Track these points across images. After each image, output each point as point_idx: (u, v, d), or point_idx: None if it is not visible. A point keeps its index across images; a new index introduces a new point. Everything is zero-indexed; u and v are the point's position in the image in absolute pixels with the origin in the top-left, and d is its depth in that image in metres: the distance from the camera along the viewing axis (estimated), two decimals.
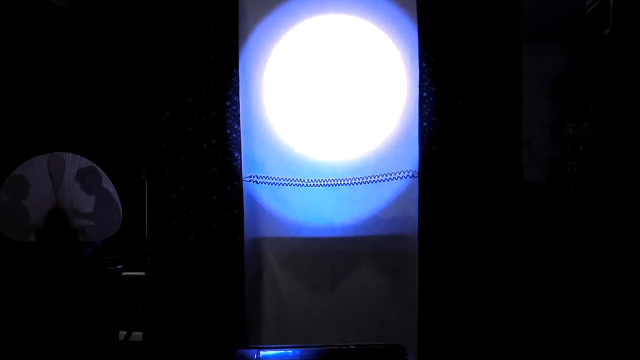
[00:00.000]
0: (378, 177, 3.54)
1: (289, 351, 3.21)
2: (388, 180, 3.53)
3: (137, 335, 3.61)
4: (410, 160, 3.48)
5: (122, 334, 3.65)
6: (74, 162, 3.61)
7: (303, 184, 3.58)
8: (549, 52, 3.43)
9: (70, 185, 3.59)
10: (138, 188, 3.58)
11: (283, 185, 3.59)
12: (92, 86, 3.87)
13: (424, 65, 3.40)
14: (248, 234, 3.57)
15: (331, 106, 3.59)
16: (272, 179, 3.60)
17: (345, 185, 3.55)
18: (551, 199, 3.39)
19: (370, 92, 3.57)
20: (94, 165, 3.63)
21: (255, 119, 3.62)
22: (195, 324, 3.49)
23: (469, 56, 3.37)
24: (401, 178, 3.52)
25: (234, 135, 3.52)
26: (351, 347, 3.25)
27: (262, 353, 3.20)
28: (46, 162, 3.59)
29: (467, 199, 3.37)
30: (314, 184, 3.57)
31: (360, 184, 3.55)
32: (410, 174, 3.50)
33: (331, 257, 3.59)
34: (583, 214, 3.26)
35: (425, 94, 3.40)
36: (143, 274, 3.60)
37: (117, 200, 3.62)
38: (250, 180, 3.59)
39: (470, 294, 3.35)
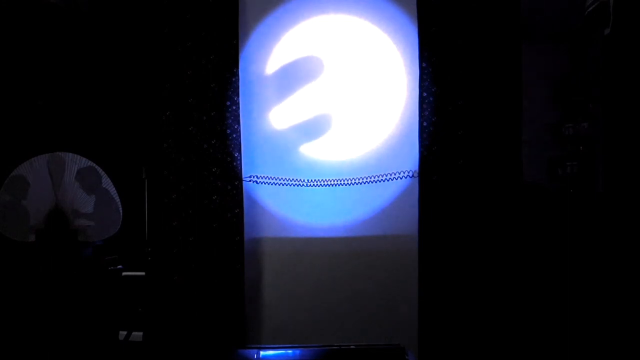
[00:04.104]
0: (378, 177, 3.54)
1: (289, 351, 3.21)
2: (388, 180, 3.53)
3: (137, 335, 3.60)
4: (410, 160, 3.49)
5: (122, 334, 3.65)
6: (74, 162, 3.61)
7: (303, 184, 3.58)
8: (549, 52, 3.43)
9: (70, 185, 3.60)
10: (138, 188, 3.58)
11: (283, 185, 3.59)
12: (92, 86, 3.86)
13: (424, 65, 3.41)
14: (248, 234, 3.57)
15: (331, 106, 3.59)
16: (272, 179, 3.60)
17: (345, 185, 3.55)
18: (551, 199, 3.39)
19: (370, 92, 3.57)
20: (94, 165, 3.63)
21: (255, 119, 3.62)
22: (195, 324, 3.49)
23: (469, 56, 3.38)
24: (401, 178, 3.52)
25: (234, 135, 3.52)
26: (351, 347, 3.25)
27: (262, 353, 3.20)
28: (46, 162, 3.59)
29: (467, 199, 3.37)
30: (314, 184, 3.57)
31: (360, 184, 3.55)
32: (410, 174, 3.50)
33: (331, 257, 3.59)
34: (583, 214, 3.26)
35: (425, 94, 3.40)
36: (143, 274, 3.60)
37: (117, 200, 3.62)
38: (250, 180, 3.59)
39: (470, 294, 3.35)
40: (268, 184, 3.60)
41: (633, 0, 3.03)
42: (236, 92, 3.53)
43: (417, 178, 3.44)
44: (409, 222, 3.48)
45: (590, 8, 3.24)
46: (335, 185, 3.56)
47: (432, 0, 3.40)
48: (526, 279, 3.34)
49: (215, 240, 3.51)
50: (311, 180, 3.57)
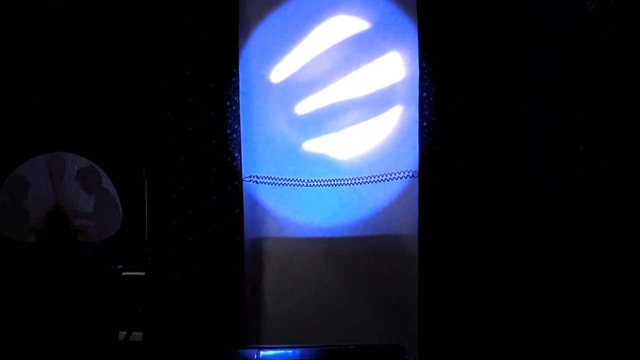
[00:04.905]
0: (378, 177, 3.54)
1: (289, 351, 3.21)
2: (388, 180, 3.53)
3: (137, 335, 3.61)
4: (410, 160, 3.49)
5: (122, 334, 3.65)
6: (74, 162, 3.61)
7: (303, 184, 3.58)
8: (549, 52, 3.42)
9: (70, 185, 3.60)
10: (138, 188, 3.58)
11: (283, 185, 3.59)
12: (92, 86, 3.87)
13: (424, 65, 3.41)
14: (248, 234, 3.57)
15: (332, 106, 3.59)
16: (272, 179, 3.60)
17: (345, 185, 3.55)
18: (551, 199, 3.39)
19: (370, 92, 3.57)
20: (94, 165, 3.63)
21: (255, 119, 3.62)
22: (195, 324, 3.50)
23: (469, 56, 3.38)
24: (401, 178, 3.52)
25: (234, 135, 3.52)
26: (351, 347, 3.25)
27: (262, 353, 3.20)
28: (46, 162, 3.59)
29: (467, 199, 3.37)
30: (314, 184, 3.57)
31: (360, 184, 3.55)
32: (410, 174, 3.50)
33: (331, 257, 3.59)
34: (583, 214, 3.25)
35: (425, 94, 3.40)
36: (143, 274, 3.60)
37: (117, 200, 3.62)
38: (250, 180, 3.59)
39: (470, 294, 3.35)
40: (268, 184, 3.60)
41: (633, 0, 3.03)
42: (236, 92, 3.53)
43: (417, 178, 3.44)
44: (409, 222, 3.49)
45: (590, 8, 3.24)
46: (335, 185, 3.56)
47: (432, 0, 3.40)
48: (526, 278, 3.34)
49: (215, 240, 3.51)
50: (311, 180, 3.57)
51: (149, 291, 3.56)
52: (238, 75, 3.53)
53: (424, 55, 3.41)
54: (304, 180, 3.58)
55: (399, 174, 3.52)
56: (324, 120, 3.60)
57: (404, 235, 3.52)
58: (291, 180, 3.59)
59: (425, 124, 3.40)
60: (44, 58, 3.85)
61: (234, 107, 3.52)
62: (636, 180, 3.02)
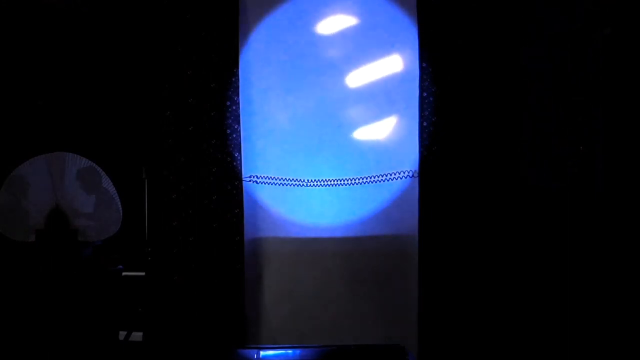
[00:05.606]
0: (378, 177, 3.54)
1: (289, 351, 3.21)
2: (388, 180, 3.53)
3: (137, 335, 3.61)
4: (410, 160, 3.49)
5: (122, 334, 3.65)
6: (74, 162, 3.61)
7: (303, 184, 3.58)
8: (549, 52, 3.43)
9: (70, 185, 3.60)
10: (138, 188, 3.58)
11: (283, 185, 3.59)
12: (92, 86, 3.87)
13: (424, 65, 3.41)
14: (248, 234, 3.56)
15: (331, 105, 3.58)
16: (272, 179, 3.60)
17: (345, 185, 3.55)
18: (551, 199, 3.39)
19: (371, 92, 3.57)
20: (94, 165, 3.63)
21: (255, 119, 3.62)
22: (195, 324, 3.49)
23: (469, 56, 3.38)
24: (401, 178, 3.52)
25: (234, 135, 3.52)
26: (351, 347, 3.25)
27: (262, 353, 3.20)
28: (46, 162, 3.59)
29: (467, 199, 3.37)
30: (314, 184, 3.57)
31: (360, 184, 3.55)
32: (410, 174, 3.50)
33: (331, 257, 3.59)
34: (583, 214, 3.26)
35: (425, 94, 3.40)
36: (143, 274, 3.60)
37: (117, 200, 3.62)
38: (250, 180, 3.59)
39: (470, 294, 3.35)
40: (268, 184, 3.60)
41: (633, 0, 3.04)
42: (236, 92, 3.52)
43: (417, 178, 3.44)
44: (409, 222, 3.48)
45: (591, 8, 3.24)
46: (335, 185, 3.56)
47: (432, 0, 3.40)
48: (526, 278, 3.34)
49: (215, 240, 3.51)
50: (311, 180, 3.57)
51: (149, 291, 3.56)
52: (238, 75, 3.53)
53: (424, 55, 3.41)
54: (304, 180, 3.58)
55: (399, 174, 3.52)
56: (324, 120, 3.59)
57: (404, 235, 3.52)
58: (291, 180, 3.58)
59: (425, 124, 3.40)
60: (44, 58, 3.85)
61: (234, 107, 3.52)
62: (636, 180, 3.02)
